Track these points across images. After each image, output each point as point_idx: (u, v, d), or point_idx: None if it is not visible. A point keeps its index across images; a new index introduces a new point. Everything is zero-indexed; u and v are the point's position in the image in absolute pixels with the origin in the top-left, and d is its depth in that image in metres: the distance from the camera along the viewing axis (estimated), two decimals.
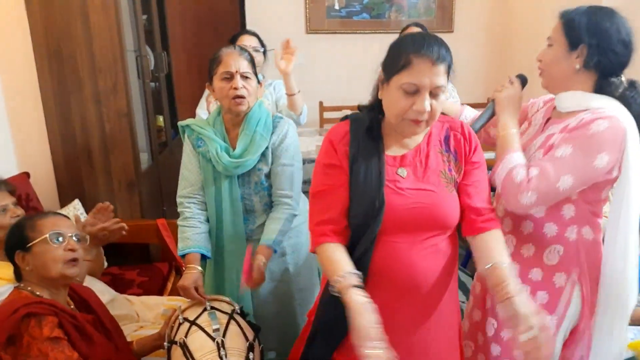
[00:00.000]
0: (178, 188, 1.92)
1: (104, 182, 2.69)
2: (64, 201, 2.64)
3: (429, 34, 1.33)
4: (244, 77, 1.77)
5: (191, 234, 1.84)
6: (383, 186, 1.32)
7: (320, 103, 4.37)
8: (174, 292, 2.59)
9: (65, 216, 1.61)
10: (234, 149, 1.84)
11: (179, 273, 2.72)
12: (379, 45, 4.10)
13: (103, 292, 1.96)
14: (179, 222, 1.89)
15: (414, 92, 1.25)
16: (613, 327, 1.47)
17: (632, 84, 1.44)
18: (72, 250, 1.49)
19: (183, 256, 1.83)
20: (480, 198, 1.36)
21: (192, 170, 1.88)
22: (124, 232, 1.96)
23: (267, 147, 1.83)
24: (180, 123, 1.92)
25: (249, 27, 4.39)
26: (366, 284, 1.28)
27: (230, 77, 1.76)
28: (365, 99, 4.18)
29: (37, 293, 1.46)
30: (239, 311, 1.71)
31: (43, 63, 2.53)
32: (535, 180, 1.36)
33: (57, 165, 2.67)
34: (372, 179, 1.32)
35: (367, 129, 1.37)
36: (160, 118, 3.40)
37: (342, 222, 1.34)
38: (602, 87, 1.43)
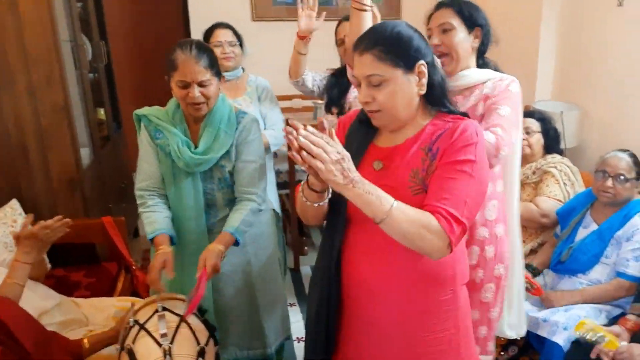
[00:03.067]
0: (136, 180, 1.85)
1: (42, 180, 2.54)
2: (1, 201, 2.48)
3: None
4: (202, 85, 1.69)
5: (157, 217, 1.79)
6: None
7: None
8: (124, 292, 2.50)
9: None
10: (195, 144, 1.78)
11: (129, 272, 2.63)
12: (327, 32, 4.09)
13: (47, 296, 1.86)
14: (142, 209, 1.82)
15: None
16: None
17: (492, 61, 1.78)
18: None
19: (152, 240, 1.77)
20: (434, 197, 1.21)
21: (150, 162, 1.81)
22: (67, 229, 1.80)
23: (231, 144, 1.79)
24: (136, 112, 1.82)
25: (191, 13, 4.26)
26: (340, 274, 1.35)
27: (186, 85, 1.68)
28: None
29: None
30: (194, 311, 1.65)
31: None
32: (503, 136, 1.55)
33: None
34: None
35: (362, 116, 1.37)
36: (101, 111, 3.25)
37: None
38: (484, 64, 1.74)
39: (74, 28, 2.77)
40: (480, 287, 1.75)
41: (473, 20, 1.66)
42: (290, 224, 3.54)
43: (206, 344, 1.55)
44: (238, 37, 2.72)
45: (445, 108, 1.31)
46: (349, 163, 1.14)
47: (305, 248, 3.68)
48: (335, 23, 2.90)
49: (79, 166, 2.59)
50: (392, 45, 1.23)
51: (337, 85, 2.63)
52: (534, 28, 3.41)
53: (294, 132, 1.12)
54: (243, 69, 2.76)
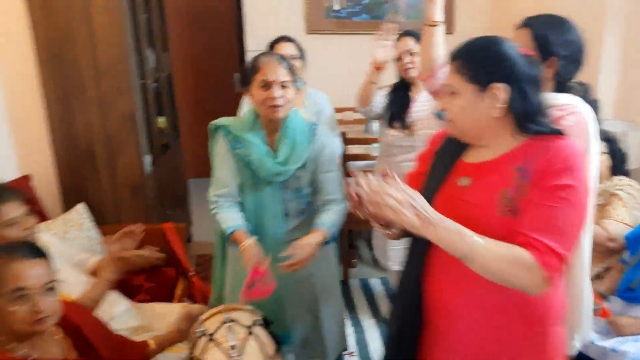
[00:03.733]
0: (211, 188, 1.90)
1: (108, 185, 2.63)
2: (68, 205, 2.57)
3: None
4: (282, 86, 1.75)
5: (235, 216, 1.85)
6: (435, 191, 1.30)
7: None
8: (182, 298, 2.54)
9: (40, 253, 1.35)
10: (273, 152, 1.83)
11: (187, 278, 2.68)
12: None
13: (117, 302, 1.91)
14: (217, 210, 1.88)
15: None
16: None
17: (581, 84, 1.65)
18: (37, 312, 1.26)
19: (230, 236, 1.82)
20: (528, 227, 1.13)
21: (227, 171, 1.86)
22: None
23: (311, 152, 1.85)
24: (214, 122, 1.88)
25: (246, 26, 4.34)
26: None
27: (268, 85, 1.74)
28: None
29: (8, 347, 1.29)
30: (261, 322, 1.66)
31: (45, 66, 2.47)
32: None
33: (61, 169, 2.61)
34: (432, 184, 1.32)
35: None
36: (161, 119, 3.33)
37: None
38: (563, 90, 1.58)
39: (139, 39, 2.86)
40: None
41: (548, 49, 1.55)
42: (341, 237, 3.54)
43: (274, 357, 1.56)
44: (300, 50, 2.76)
45: (536, 130, 1.22)
46: (421, 202, 1.11)
47: (354, 261, 3.67)
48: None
49: (142, 173, 2.67)
50: (470, 61, 1.21)
51: (398, 101, 2.63)
52: (595, 42, 3.33)
53: (359, 186, 1.11)
54: (305, 82, 2.79)
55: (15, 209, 1.72)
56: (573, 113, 1.51)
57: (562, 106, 1.51)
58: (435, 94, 1.96)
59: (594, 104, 1.66)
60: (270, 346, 1.60)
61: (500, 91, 1.18)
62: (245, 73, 1.81)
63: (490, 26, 4.61)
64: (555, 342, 1.29)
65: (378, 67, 2.52)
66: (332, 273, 2.07)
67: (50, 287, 1.32)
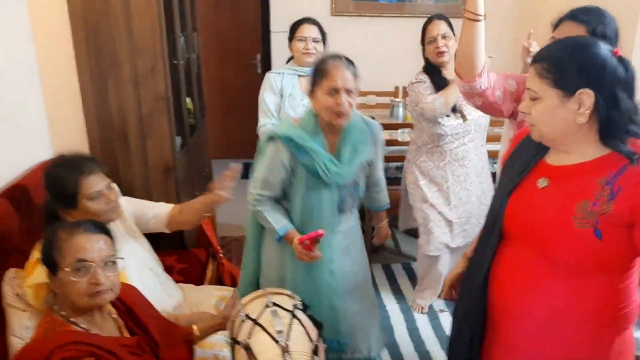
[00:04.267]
0: (254, 186, 1.91)
1: (140, 166, 2.64)
2: None
3: None
4: (349, 93, 1.73)
5: (283, 215, 1.92)
6: (510, 191, 1.28)
7: None
8: (212, 279, 2.57)
9: (102, 229, 1.42)
10: (332, 153, 1.84)
11: (216, 260, 2.70)
12: (406, 29, 4.04)
13: (172, 295, 1.94)
14: (261, 208, 1.91)
15: None
16: None
17: None
18: (97, 284, 1.32)
19: (282, 236, 1.89)
20: None
21: (277, 177, 1.87)
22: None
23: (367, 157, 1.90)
24: (278, 133, 1.84)
25: (272, 8, 4.30)
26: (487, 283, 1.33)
27: (336, 91, 1.71)
28: (391, 83, 4.19)
29: (72, 319, 1.35)
30: (300, 306, 1.67)
31: (81, 43, 2.45)
32: None
33: (93, 149, 2.61)
34: (510, 180, 1.30)
35: None
36: (189, 100, 3.33)
37: None
38: None
39: (172, 19, 2.84)
40: None
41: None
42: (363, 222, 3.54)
43: (317, 341, 1.57)
44: (323, 33, 2.75)
45: (626, 137, 1.17)
46: None
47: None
48: (414, 20, 2.91)
49: (173, 154, 2.67)
50: (557, 64, 1.16)
51: (439, 87, 2.60)
52: (628, 36, 3.26)
53: None
54: None
55: (99, 182, 1.75)
56: None
57: None
58: (469, 96, 1.88)
59: None
60: (313, 330, 1.61)
61: (588, 97, 1.13)
62: (313, 77, 1.79)
63: (517, 10, 4.54)
64: (620, 347, 1.27)
65: None
66: (366, 265, 2.10)
67: (110, 262, 1.37)
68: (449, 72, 2.63)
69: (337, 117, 1.75)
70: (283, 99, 2.67)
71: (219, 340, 1.80)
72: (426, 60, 2.71)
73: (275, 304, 1.63)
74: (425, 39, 2.67)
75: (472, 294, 1.35)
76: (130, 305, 1.49)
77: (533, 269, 1.22)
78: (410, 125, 3.19)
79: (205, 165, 3.59)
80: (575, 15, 1.61)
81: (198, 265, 2.53)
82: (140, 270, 1.90)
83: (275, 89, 2.68)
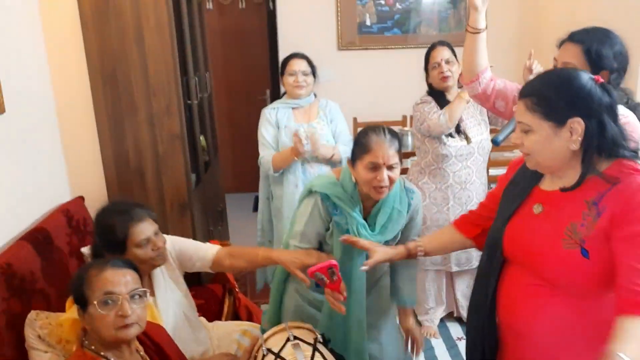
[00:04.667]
0: (293, 237, 1.89)
1: (156, 203, 2.67)
2: None
3: None
4: (390, 168, 1.70)
5: None
6: (509, 217, 1.33)
7: (354, 119, 4.36)
8: (229, 314, 2.57)
9: (130, 265, 1.49)
10: (365, 217, 1.81)
11: (231, 294, 2.71)
12: (410, 60, 4.10)
13: (200, 342, 1.95)
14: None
15: None
16: None
17: (622, 90, 1.69)
18: (124, 316, 1.37)
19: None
20: (627, 278, 1.13)
21: (313, 230, 1.84)
22: None
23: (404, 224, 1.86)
24: (317, 189, 1.82)
25: (280, 44, 4.40)
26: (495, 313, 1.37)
27: (377, 168, 1.68)
28: (398, 112, 4.24)
29: (102, 353, 1.40)
30: (321, 340, 1.68)
31: (97, 86, 2.53)
32: None
33: (111, 188, 2.66)
34: (507, 207, 1.36)
35: None
36: (202, 138, 3.39)
37: (476, 219, 1.57)
38: None
39: (185, 60, 2.93)
40: None
41: (600, 65, 1.61)
42: None
43: None
44: (312, 66, 2.83)
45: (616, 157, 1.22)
46: None
47: None
48: (419, 51, 3.03)
49: (189, 190, 2.71)
50: (545, 98, 1.21)
51: (443, 108, 2.67)
52: (635, 47, 3.25)
53: None
54: (315, 94, 2.91)
55: (148, 228, 1.79)
56: (627, 123, 1.50)
57: (621, 115, 1.55)
58: (476, 97, 2.05)
59: (636, 108, 1.70)
60: None
61: (579, 125, 1.18)
62: (353, 149, 1.78)
63: (519, 37, 4.61)
64: None
65: None
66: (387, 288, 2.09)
67: (136, 295, 1.42)
68: (452, 96, 2.69)
69: (377, 193, 1.72)
70: (279, 131, 2.78)
71: None
72: (429, 85, 2.78)
73: (296, 338, 1.64)
74: (429, 65, 2.74)
75: (481, 315, 1.39)
76: (157, 341, 1.53)
77: (535, 290, 1.27)
78: None
79: (220, 200, 3.63)
80: (572, 36, 1.68)
81: (215, 301, 2.54)
82: (177, 318, 1.89)
83: (272, 122, 2.80)
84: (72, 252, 2.29)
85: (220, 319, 2.42)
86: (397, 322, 2.13)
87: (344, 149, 2.72)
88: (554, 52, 1.82)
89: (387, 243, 1.83)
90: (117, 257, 1.71)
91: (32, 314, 1.76)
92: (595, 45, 1.63)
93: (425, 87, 2.85)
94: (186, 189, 2.69)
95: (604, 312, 1.21)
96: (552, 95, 1.20)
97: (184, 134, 2.63)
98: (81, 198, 2.54)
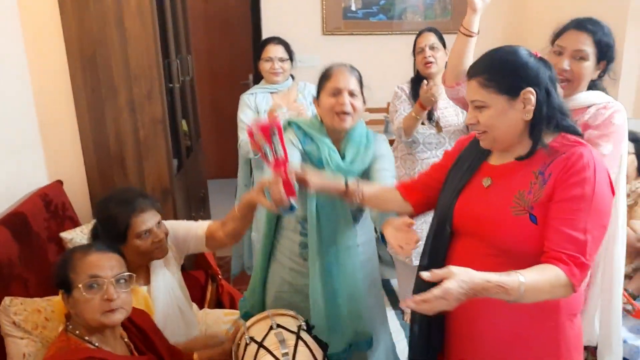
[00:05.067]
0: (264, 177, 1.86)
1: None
2: None
3: None
4: (352, 95, 1.76)
5: None
6: (459, 191, 1.39)
7: None
8: (212, 301, 2.56)
9: (114, 249, 1.48)
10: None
11: (215, 281, 2.69)
12: (395, 46, 4.09)
13: (191, 324, 1.93)
14: None
15: None
16: None
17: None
18: (109, 300, 1.37)
19: None
20: (554, 241, 1.21)
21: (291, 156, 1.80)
22: None
23: (371, 160, 1.84)
24: (290, 121, 1.89)
25: (264, 28, 4.35)
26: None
27: (338, 92, 1.75)
28: (383, 99, 4.26)
29: (86, 338, 1.39)
30: (304, 327, 1.68)
31: (76, 70, 2.47)
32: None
33: (90, 173, 2.61)
34: (456, 182, 1.42)
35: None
36: (184, 122, 3.34)
37: (418, 185, 1.58)
38: (593, 85, 1.69)
39: (167, 44, 2.87)
40: None
41: (606, 56, 1.64)
42: None
43: None
44: (289, 52, 2.83)
45: (559, 131, 1.30)
46: (464, 286, 1.11)
47: None
48: (404, 37, 3.03)
49: (171, 176, 2.68)
50: (496, 74, 1.27)
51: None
52: (617, 41, 3.30)
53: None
54: (292, 76, 2.92)
55: (150, 219, 1.76)
56: (618, 111, 1.62)
57: (604, 104, 1.63)
58: (457, 100, 2.02)
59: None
60: (318, 351, 1.61)
61: (530, 94, 1.25)
62: (318, 83, 1.83)
63: (506, 26, 4.62)
64: (569, 334, 1.35)
65: (424, 107, 2.54)
66: (376, 275, 2.08)
67: (122, 279, 1.41)
68: (434, 84, 2.68)
69: (340, 119, 1.75)
70: (259, 115, 2.78)
71: None
72: (417, 71, 2.77)
73: (279, 326, 1.64)
74: (415, 50, 2.73)
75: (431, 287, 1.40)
76: (142, 327, 1.52)
77: (483, 259, 1.31)
78: None
79: (202, 186, 3.60)
80: (582, 24, 1.65)
81: (197, 288, 2.52)
82: (170, 307, 1.87)
83: (251, 107, 2.80)
84: (50, 237, 2.25)
85: (203, 306, 2.41)
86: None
87: None
88: (539, 47, 1.79)
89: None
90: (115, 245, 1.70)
91: (6, 300, 1.73)
92: (604, 36, 1.65)
93: (411, 74, 2.85)
94: (168, 175, 2.66)
95: None
96: (502, 70, 1.27)
97: (165, 119, 2.59)
98: (59, 182, 2.49)
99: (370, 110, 4.36)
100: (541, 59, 1.30)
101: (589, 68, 1.63)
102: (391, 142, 3.41)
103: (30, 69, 2.43)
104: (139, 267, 1.80)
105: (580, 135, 1.30)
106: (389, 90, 4.06)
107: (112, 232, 1.74)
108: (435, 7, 4.51)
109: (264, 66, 2.80)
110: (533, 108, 1.26)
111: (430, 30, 2.74)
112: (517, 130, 1.29)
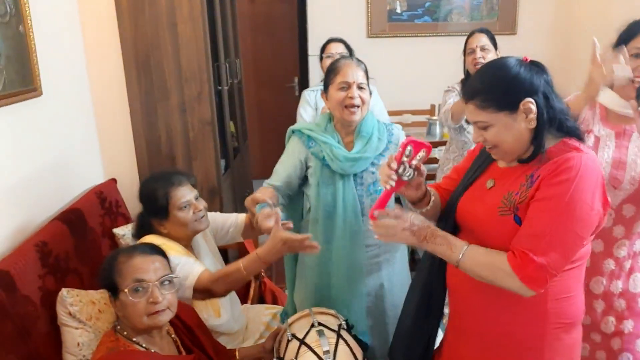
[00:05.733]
0: (269, 179, 1.96)
1: None
2: None
3: None
4: (360, 88, 1.81)
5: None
6: (464, 190, 1.44)
7: None
8: (255, 300, 2.61)
9: (158, 251, 1.51)
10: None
11: (257, 278, 2.75)
12: (440, 48, 4.04)
13: (238, 319, 1.98)
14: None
15: None
16: None
17: None
18: (155, 302, 1.40)
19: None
20: (515, 237, 1.25)
21: (287, 168, 1.92)
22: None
23: (384, 150, 1.88)
24: (291, 127, 1.96)
25: (310, 31, 4.40)
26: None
27: (346, 86, 1.80)
28: (427, 101, 4.24)
29: (134, 339, 1.43)
30: (345, 326, 1.70)
31: (131, 72, 2.58)
32: None
33: (142, 172, 2.72)
34: (465, 179, 1.47)
35: None
36: (232, 124, 3.43)
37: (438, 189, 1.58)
38: None
39: (217, 47, 2.96)
40: None
41: None
42: None
43: None
44: (349, 49, 2.90)
45: (563, 135, 1.30)
46: (417, 224, 1.32)
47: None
48: (450, 39, 3.01)
49: (218, 175, 2.76)
50: (490, 93, 1.27)
51: None
52: None
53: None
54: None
55: (188, 192, 1.85)
56: None
57: None
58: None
59: None
60: (358, 351, 1.63)
61: (530, 104, 1.25)
62: (325, 78, 1.89)
63: (552, 26, 4.51)
64: (555, 345, 1.33)
65: None
66: (403, 285, 2.07)
67: (166, 281, 1.44)
68: None
69: (349, 112, 1.81)
70: (317, 112, 2.86)
71: None
72: (467, 72, 2.76)
73: (321, 324, 1.67)
74: (466, 51, 2.72)
75: (432, 273, 1.51)
76: (189, 323, 1.55)
77: None
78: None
79: (248, 186, 3.68)
80: None
81: (242, 285, 2.58)
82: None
83: (311, 104, 2.89)
84: (104, 232, 2.35)
85: (246, 303, 2.46)
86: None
87: None
88: (587, 47, 1.75)
89: (366, 171, 1.86)
90: (162, 222, 1.80)
91: (63, 292, 1.81)
92: None
93: (456, 76, 2.84)
94: (215, 175, 2.74)
95: None
96: (495, 88, 1.27)
97: (214, 120, 2.67)
98: (114, 180, 2.61)
99: (414, 112, 4.35)
100: (532, 65, 1.29)
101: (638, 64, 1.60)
102: (436, 144, 3.42)
103: (88, 70, 2.56)
104: (186, 244, 1.87)
105: (582, 139, 1.30)
106: (433, 93, 4.06)
107: (154, 207, 1.81)
108: (481, 8, 4.45)
109: (326, 63, 2.86)
110: (535, 116, 1.26)
111: (482, 31, 2.72)
112: (525, 139, 1.29)
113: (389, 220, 1.32)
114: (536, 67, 1.29)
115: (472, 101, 1.30)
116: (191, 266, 1.71)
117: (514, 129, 1.27)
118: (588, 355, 1.82)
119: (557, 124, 1.28)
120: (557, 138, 1.29)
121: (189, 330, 1.54)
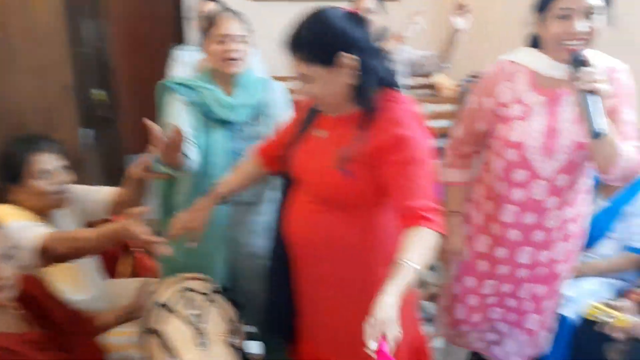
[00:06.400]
0: None
1: None
2: None
3: None
4: (238, 40, 1.77)
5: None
6: (297, 142, 1.46)
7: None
8: (125, 274, 2.45)
9: None
10: None
11: (129, 254, 2.58)
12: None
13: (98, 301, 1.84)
14: None
15: None
16: None
17: None
18: None
19: None
20: (401, 196, 1.30)
21: (177, 117, 1.79)
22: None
23: (262, 105, 1.86)
24: (161, 82, 1.86)
25: None
26: None
27: (224, 39, 1.76)
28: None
29: None
30: (219, 289, 1.65)
31: None
32: None
33: None
34: (296, 134, 1.48)
35: None
36: (101, 92, 3.17)
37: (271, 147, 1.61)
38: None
39: (75, 5, 2.69)
40: None
41: (610, 4, 1.48)
42: None
43: (236, 322, 1.56)
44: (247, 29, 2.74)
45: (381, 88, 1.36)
46: (382, 317, 1.11)
47: None
48: (338, 3, 2.94)
49: (81, 147, 2.55)
50: (308, 46, 1.29)
51: None
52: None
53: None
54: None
55: (50, 162, 1.67)
56: (626, 71, 1.53)
57: (614, 67, 1.52)
58: None
59: None
60: (231, 312, 1.59)
61: (347, 59, 1.27)
62: (202, 29, 1.84)
63: None
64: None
65: None
66: None
67: (7, 255, 1.29)
68: None
69: (229, 64, 1.79)
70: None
71: (128, 341, 1.74)
72: None
73: (189, 289, 1.60)
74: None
75: (278, 232, 1.57)
76: (34, 295, 1.41)
77: (310, 205, 1.44)
78: None
79: (122, 159, 3.46)
80: None
81: (109, 260, 2.38)
82: (87, 268, 1.83)
83: (185, 61, 2.87)
84: None
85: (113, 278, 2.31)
86: None
87: None
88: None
89: (246, 124, 1.85)
90: (14, 190, 1.65)
91: None
92: None
93: None
94: (77, 146, 2.52)
95: (360, 226, 1.42)
96: (312, 41, 1.29)
97: (73, 86, 2.45)
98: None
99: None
100: (354, 17, 1.31)
101: (602, 22, 1.45)
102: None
103: None
104: (40, 218, 1.69)
105: (398, 89, 1.38)
106: None
107: (7, 171, 1.65)
108: None
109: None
110: (355, 71, 1.29)
111: None
112: (345, 93, 1.34)
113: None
114: (358, 21, 1.31)
115: (294, 54, 1.32)
116: (33, 229, 1.54)
117: (333, 83, 1.30)
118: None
119: (377, 79, 1.33)
120: (379, 88, 1.35)
121: (33, 302, 1.41)
